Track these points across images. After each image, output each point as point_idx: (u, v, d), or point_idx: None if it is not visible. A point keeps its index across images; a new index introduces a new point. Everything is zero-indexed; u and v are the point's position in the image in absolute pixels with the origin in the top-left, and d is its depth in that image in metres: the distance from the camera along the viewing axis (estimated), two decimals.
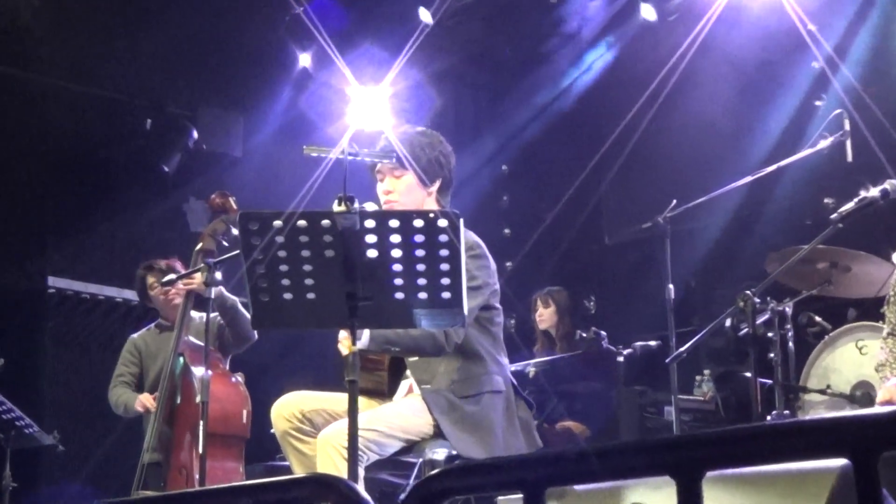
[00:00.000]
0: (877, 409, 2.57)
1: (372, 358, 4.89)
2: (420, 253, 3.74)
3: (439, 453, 4.73)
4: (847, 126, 6.19)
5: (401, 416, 4.69)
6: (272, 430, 4.88)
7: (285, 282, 3.83)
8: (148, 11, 9.51)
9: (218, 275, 5.84)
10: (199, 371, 6.00)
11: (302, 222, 3.73)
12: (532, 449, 4.81)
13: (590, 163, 8.92)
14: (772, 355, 6.20)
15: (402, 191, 4.87)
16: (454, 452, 4.67)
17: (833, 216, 5.79)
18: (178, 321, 6.68)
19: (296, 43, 9.83)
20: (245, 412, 6.52)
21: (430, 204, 4.92)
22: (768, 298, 6.28)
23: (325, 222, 3.72)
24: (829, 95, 7.83)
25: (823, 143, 6.21)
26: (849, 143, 6.19)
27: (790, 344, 6.41)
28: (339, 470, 4.27)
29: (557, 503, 3.39)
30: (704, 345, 7.29)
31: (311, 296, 3.85)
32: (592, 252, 10.15)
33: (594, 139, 9.04)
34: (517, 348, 7.91)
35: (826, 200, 7.06)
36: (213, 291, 5.82)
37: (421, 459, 4.82)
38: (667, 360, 6.40)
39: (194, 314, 6.87)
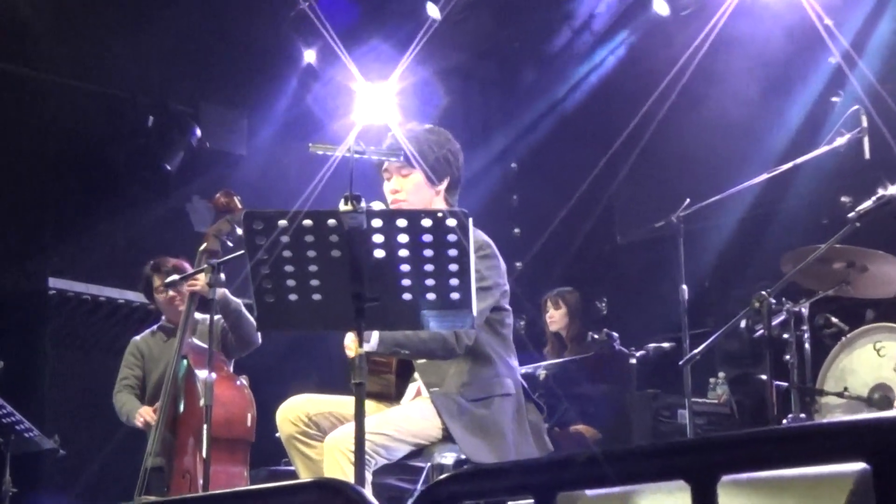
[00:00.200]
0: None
1: (379, 360, 4.89)
2: (428, 253, 3.74)
3: (448, 458, 4.73)
4: (864, 122, 6.19)
5: (409, 419, 4.69)
6: (277, 434, 4.88)
7: (290, 282, 3.83)
8: (150, 6, 9.51)
9: (222, 276, 5.84)
10: (202, 374, 6.01)
11: (307, 222, 3.73)
12: (543, 453, 4.81)
13: (601, 160, 8.92)
14: (788, 357, 6.20)
15: (410, 190, 4.87)
16: (463, 457, 4.66)
17: (850, 215, 5.80)
18: (181, 323, 6.68)
19: (301, 39, 9.83)
20: (249, 416, 6.52)
21: (439, 203, 4.92)
22: (784, 299, 6.29)
23: (332, 222, 3.72)
24: (846, 91, 7.83)
25: (840, 140, 6.21)
26: (866, 140, 6.18)
27: (806, 346, 6.40)
28: (346, 475, 4.28)
29: None
30: (719, 347, 7.29)
31: (316, 297, 3.86)
32: (604, 252, 10.15)
33: (606, 136, 9.03)
34: (527, 350, 7.90)
35: (843, 199, 7.05)
36: (217, 293, 5.83)
37: (429, 464, 4.82)
38: (680, 363, 6.40)
39: (198, 316, 6.88)
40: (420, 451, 4.73)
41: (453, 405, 4.68)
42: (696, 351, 6.15)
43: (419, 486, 4.97)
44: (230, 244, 6.39)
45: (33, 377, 9.21)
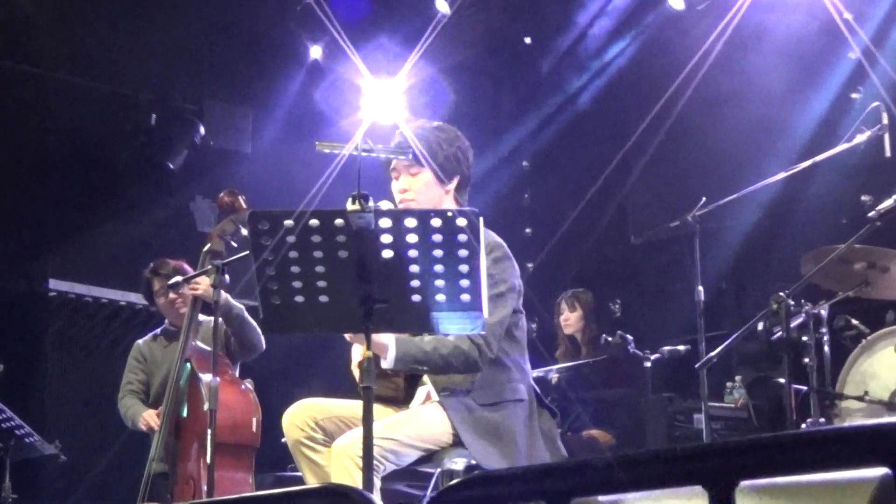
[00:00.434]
0: None
1: None
2: (438, 253, 3.74)
3: (458, 463, 4.73)
4: (885, 120, 6.17)
5: (418, 424, 4.69)
6: (283, 440, 4.88)
7: (297, 284, 3.83)
8: (152, 1, 9.53)
9: (226, 277, 5.85)
10: (206, 377, 6.01)
11: (314, 222, 3.73)
12: (556, 459, 4.81)
13: (615, 158, 8.91)
14: (807, 360, 6.20)
15: (419, 189, 4.87)
16: (474, 462, 4.67)
17: (870, 214, 5.79)
18: (184, 326, 6.69)
19: (307, 34, 9.84)
20: (255, 420, 6.53)
21: (448, 202, 4.92)
22: (803, 300, 6.28)
23: (339, 221, 3.72)
24: (866, 88, 7.81)
25: (860, 138, 6.20)
26: (887, 138, 6.17)
27: (826, 348, 6.40)
28: (354, 480, 4.28)
29: None
30: (736, 349, 7.28)
31: (323, 298, 3.86)
32: (618, 252, 10.14)
33: (619, 134, 9.04)
34: (539, 353, 7.90)
35: (863, 198, 7.03)
36: (221, 295, 5.83)
37: (439, 469, 4.82)
38: (696, 366, 6.40)
39: (202, 318, 6.88)
40: (430, 456, 4.73)
41: (464, 409, 4.68)
42: (712, 354, 6.15)
43: (429, 493, 4.97)
44: (235, 245, 6.40)
45: (33, 381, 9.22)
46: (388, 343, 4.58)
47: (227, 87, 10.24)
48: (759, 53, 8.56)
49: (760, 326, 6.26)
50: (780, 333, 5.80)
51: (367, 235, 3.72)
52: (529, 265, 9.53)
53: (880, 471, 2.16)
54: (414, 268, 3.76)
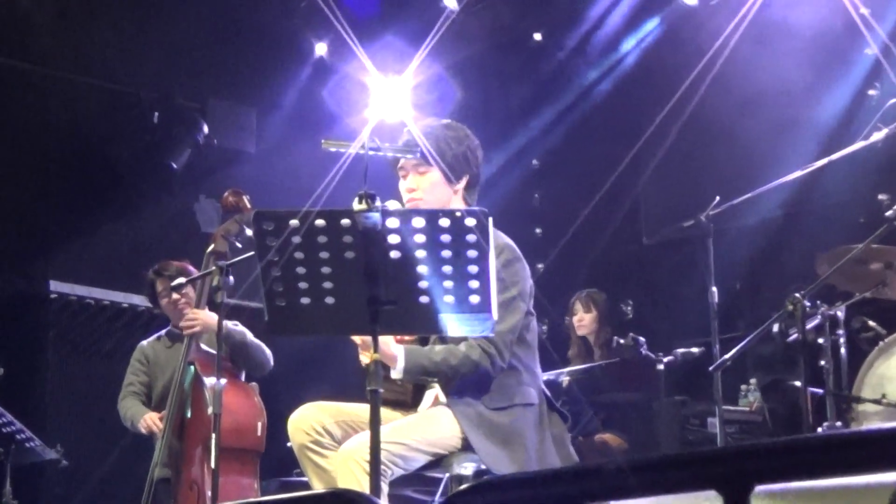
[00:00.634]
0: None
1: None
2: (446, 254, 3.74)
3: (467, 468, 4.74)
4: None
5: (427, 428, 4.69)
6: (289, 444, 4.89)
7: (303, 285, 3.84)
8: None
9: (230, 278, 5.85)
10: (210, 381, 6.02)
11: (320, 222, 3.74)
12: (566, 463, 4.81)
13: (626, 157, 8.90)
14: (823, 363, 6.19)
15: (427, 188, 4.87)
16: (483, 467, 4.67)
17: (888, 213, 5.79)
18: None
19: (312, 31, 9.85)
20: (260, 424, 6.53)
21: (457, 202, 4.92)
22: (819, 302, 6.28)
23: (345, 222, 3.73)
24: (884, 84, 7.80)
25: (878, 136, 6.19)
26: None
27: (842, 350, 6.39)
28: (361, 485, 4.29)
29: None
30: (750, 352, 7.26)
31: (330, 300, 3.86)
32: (630, 253, 10.13)
33: (631, 132, 9.02)
34: (549, 356, 7.90)
35: (880, 197, 7.02)
36: (223, 294, 5.83)
37: (448, 474, 4.82)
38: (710, 369, 6.39)
39: None
40: (438, 461, 4.73)
41: (473, 413, 4.69)
42: (726, 356, 6.14)
43: (437, 498, 4.98)
44: (239, 245, 6.40)
45: (34, 385, 9.24)
46: (397, 354, 4.59)
47: (230, 84, 10.25)
48: (773, 50, 8.54)
49: (776, 328, 6.26)
50: (795, 335, 5.80)
51: (375, 236, 3.72)
52: (539, 266, 9.52)
53: None
54: (422, 269, 3.77)
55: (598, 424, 8.06)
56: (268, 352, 6.83)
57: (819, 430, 5.94)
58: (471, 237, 3.71)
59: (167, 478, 6.59)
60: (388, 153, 4.53)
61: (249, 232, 5.97)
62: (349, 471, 4.42)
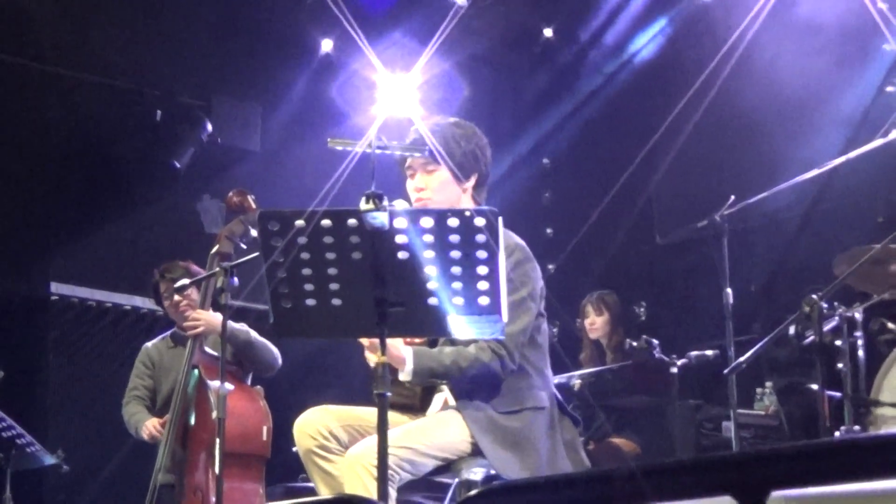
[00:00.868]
0: None
1: None
2: (455, 255, 3.73)
3: (477, 473, 4.73)
4: None
5: (435, 432, 4.69)
6: (295, 449, 4.89)
7: (309, 287, 3.84)
8: None
9: (235, 280, 5.85)
10: (215, 384, 6.01)
11: (326, 222, 3.73)
12: (578, 469, 4.81)
13: (639, 155, 8.89)
14: (840, 365, 6.18)
15: (436, 187, 4.87)
16: (493, 472, 4.67)
17: None
18: None
19: (318, 27, 9.85)
20: (265, 429, 6.53)
21: (466, 201, 4.92)
22: (836, 303, 6.26)
23: (352, 222, 3.72)
24: None
25: None
26: None
27: (860, 353, 6.38)
28: (369, 491, 4.28)
29: None
30: (766, 354, 7.26)
31: (336, 302, 3.86)
32: (643, 253, 10.13)
33: (644, 129, 9.01)
34: (560, 359, 7.90)
35: None
36: (227, 296, 5.84)
37: (457, 480, 4.82)
38: (725, 372, 6.38)
39: None
40: (447, 465, 4.73)
41: (483, 417, 4.68)
42: (741, 359, 6.14)
43: None
44: (244, 246, 6.41)
45: (35, 388, 9.25)
46: (406, 356, 4.58)
47: (235, 82, 10.25)
48: (790, 46, 8.54)
49: (792, 330, 6.25)
50: (812, 337, 5.78)
51: (382, 236, 3.72)
52: (550, 267, 9.53)
53: None
54: (430, 270, 3.76)
55: (611, 429, 8.05)
56: (275, 351, 6.84)
57: (836, 434, 5.93)
58: (480, 237, 3.70)
59: (170, 484, 6.59)
60: (395, 152, 4.52)
61: (254, 232, 5.98)
62: (356, 476, 4.42)
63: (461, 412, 4.70)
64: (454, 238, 3.71)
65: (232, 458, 5.97)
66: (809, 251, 8.43)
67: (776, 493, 2.06)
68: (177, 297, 7.04)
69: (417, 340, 4.79)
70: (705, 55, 8.23)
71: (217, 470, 5.45)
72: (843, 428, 6.02)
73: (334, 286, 3.83)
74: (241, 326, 6.77)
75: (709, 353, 7.68)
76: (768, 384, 7.82)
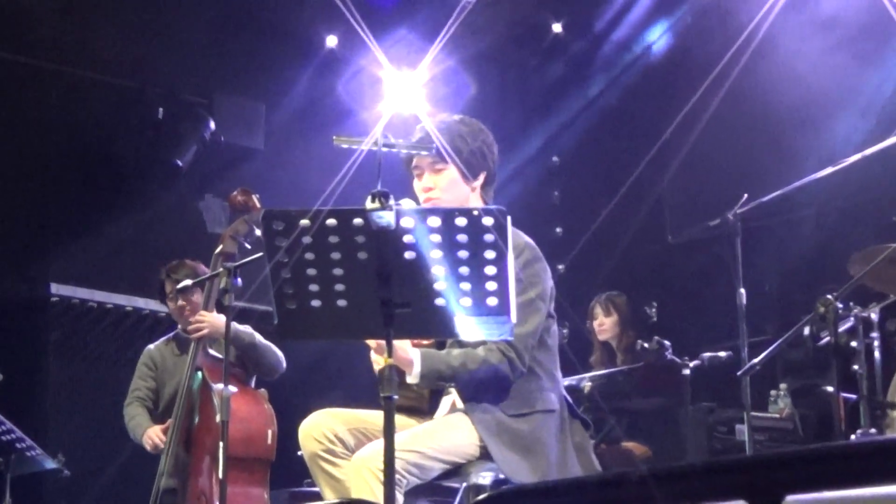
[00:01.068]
0: None
1: None
2: (463, 255, 3.74)
3: (485, 477, 4.73)
4: None
5: (443, 435, 4.69)
6: (300, 452, 4.89)
7: (313, 287, 3.84)
8: None
9: (238, 280, 5.86)
10: (218, 387, 6.02)
11: (331, 221, 3.74)
12: (588, 473, 4.80)
13: (650, 153, 8.89)
14: (856, 367, 6.17)
15: (445, 186, 4.86)
16: (502, 476, 4.67)
17: None
18: None
19: (322, 23, 9.85)
20: (270, 432, 6.54)
21: (474, 200, 4.92)
22: (852, 304, 6.26)
23: (358, 221, 3.73)
24: None
25: None
26: None
27: (876, 354, 6.38)
28: (375, 495, 4.29)
29: None
30: (780, 356, 7.26)
31: (342, 303, 3.87)
32: (654, 253, 10.12)
33: (655, 126, 9.02)
34: (570, 361, 7.90)
35: None
36: (231, 296, 5.84)
37: (465, 484, 4.82)
38: (738, 374, 6.38)
39: None
40: (455, 469, 4.73)
41: (491, 420, 4.68)
42: (755, 361, 6.13)
43: None
44: (248, 246, 6.41)
45: (34, 391, 9.25)
46: (413, 358, 4.58)
47: (238, 79, 10.26)
48: (805, 41, 8.53)
49: (806, 331, 6.25)
50: (827, 339, 5.78)
51: (388, 236, 3.72)
52: (560, 266, 9.52)
53: None
54: (438, 270, 3.76)
55: (622, 432, 8.05)
56: (279, 353, 6.85)
57: (852, 436, 5.92)
58: (488, 237, 3.70)
59: (173, 488, 6.60)
60: (401, 150, 4.52)
61: (258, 232, 5.98)
62: (363, 480, 4.42)
63: (469, 415, 4.70)
64: (462, 238, 3.71)
65: (236, 462, 5.97)
66: (824, 251, 8.42)
67: (791, 498, 2.06)
68: (181, 302, 7.03)
69: (425, 342, 4.79)
70: (717, 50, 8.23)
71: (221, 474, 5.46)
72: (859, 431, 6.01)
73: (340, 287, 3.83)
74: (246, 328, 6.78)
75: (722, 354, 7.67)
76: (783, 386, 7.81)
